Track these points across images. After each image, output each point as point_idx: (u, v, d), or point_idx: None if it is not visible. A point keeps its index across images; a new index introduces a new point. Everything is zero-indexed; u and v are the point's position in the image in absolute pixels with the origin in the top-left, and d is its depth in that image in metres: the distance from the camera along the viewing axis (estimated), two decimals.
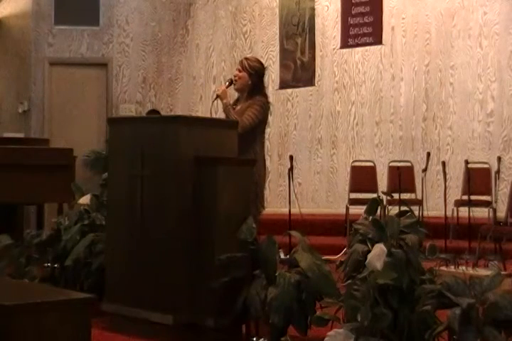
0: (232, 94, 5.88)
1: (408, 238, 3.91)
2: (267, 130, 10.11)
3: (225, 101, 5.63)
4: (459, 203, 8.96)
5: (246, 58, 5.85)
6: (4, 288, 3.71)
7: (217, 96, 5.67)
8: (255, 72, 5.66)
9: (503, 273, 5.12)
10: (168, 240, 4.55)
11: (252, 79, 5.64)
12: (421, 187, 8.81)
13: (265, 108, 5.63)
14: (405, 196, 8.68)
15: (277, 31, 10.61)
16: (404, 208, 4.27)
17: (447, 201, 8.34)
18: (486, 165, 9.42)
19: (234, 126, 5.01)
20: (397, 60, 10.48)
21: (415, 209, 7.90)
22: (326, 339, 3.71)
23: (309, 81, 10.42)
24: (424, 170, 9.05)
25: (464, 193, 8.96)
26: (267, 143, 8.76)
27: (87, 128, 10.53)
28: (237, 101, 5.79)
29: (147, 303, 4.60)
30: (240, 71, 5.68)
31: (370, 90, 10.53)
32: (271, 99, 10.07)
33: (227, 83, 5.76)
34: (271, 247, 4.40)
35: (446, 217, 8.35)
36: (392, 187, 8.78)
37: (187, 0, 10.87)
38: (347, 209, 9.08)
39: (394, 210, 4.38)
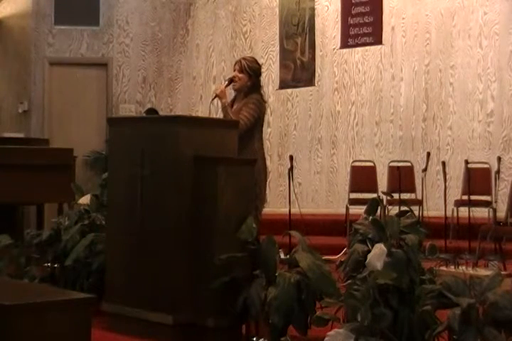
0: (231, 94, 5.88)
1: (408, 238, 3.91)
2: (268, 130, 10.14)
3: (223, 100, 5.64)
4: (459, 203, 8.95)
5: (244, 58, 5.84)
6: (4, 288, 3.70)
7: (216, 95, 5.68)
8: (254, 72, 5.69)
9: (503, 273, 5.12)
10: (168, 240, 4.55)
11: (251, 80, 5.68)
12: (421, 187, 8.80)
13: (260, 105, 5.65)
14: (405, 196, 8.68)
15: (277, 31, 10.61)
16: (404, 208, 4.27)
17: (447, 201, 8.33)
18: (486, 165, 9.41)
19: (234, 126, 5.02)
20: (397, 60, 10.47)
21: (415, 209, 7.89)
22: (326, 339, 3.72)
23: (309, 81, 10.42)
24: (424, 170, 9.05)
25: (464, 193, 8.95)
26: (267, 143, 8.76)
27: (87, 128, 10.53)
28: (234, 101, 5.80)
29: (147, 303, 4.60)
30: (239, 72, 5.69)
31: (370, 90, 10.53)
32: (271, 99, 10.12)
33: (226, 82, 5.76)
34: (271, 247, 4.40)
35: (446, 217, 8.35)
36: (392, 187, 8.78)
37: (187, 0, 10.87)
38: (347, 209, 9.08)
39: (394, 210, 4.38)
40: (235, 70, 5.76)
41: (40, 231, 5.97)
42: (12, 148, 7.25)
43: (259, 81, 5.76)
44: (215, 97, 5.69)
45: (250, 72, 5.67)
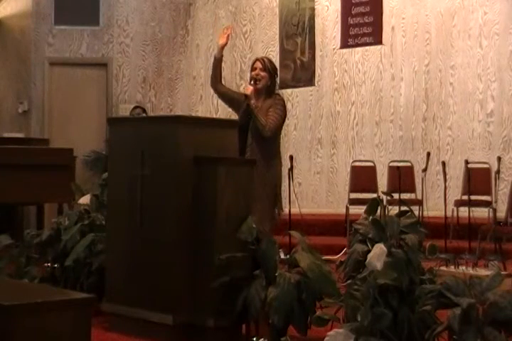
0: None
1: (408, 238, 3.91)
2: None
3: (253, 101, 5.58)
4: (459, 203, 8.95)
5: (264, 58, 5.86)
6: (4, 288, 3.70)
7: (246, 96, 5.61)
8: (274, 72, 5.72)
9: (503, 273, 5.12)
10: (168, 240, 4.55)
11: (271, 80, 5.67)
12: (421, 187, 8.80)
13: (285, 109, 5.74)
14: (405, 196, 8.68)
15: (277, 31, 10.61)
16: (404, 208, 4.27)
17: (447, 201, 8.33)
18: (486, 165, 9.41)
19: (234, 126, 5.02)
20: (397, 60, 10.47)
21: (415, 209, 7.89)
22: (326, 339, 3.72)
23: (309, 81, 10.42)
24: (424, 170, 9.05)
25: (464, 193, 8.95)
26: None
27: (87, 128, 10.52)
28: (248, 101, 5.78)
29: (147, 303, 4.60)
30: (261, 70, 5.67)
31: (370, 90, 10.53)
32: None
33: (251, 82, 5.69)
34: (271, 247, 4.40)
35: (446, 217, 8.35)
36: (392, 187, 8.78)
37: (187, 0, 10.87)
38: (347, 209, 9.07)
39: (394, 210, 4.38)
40: (255, 69, 5.70)
41: (40, 231, 5.97)
42: (12, 148, 7.26)
43: (276, 81, 5.77)
44: (246, 98, 5.60)
45: (272, 71, 5.68)
